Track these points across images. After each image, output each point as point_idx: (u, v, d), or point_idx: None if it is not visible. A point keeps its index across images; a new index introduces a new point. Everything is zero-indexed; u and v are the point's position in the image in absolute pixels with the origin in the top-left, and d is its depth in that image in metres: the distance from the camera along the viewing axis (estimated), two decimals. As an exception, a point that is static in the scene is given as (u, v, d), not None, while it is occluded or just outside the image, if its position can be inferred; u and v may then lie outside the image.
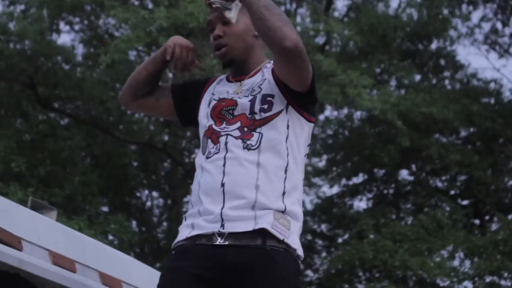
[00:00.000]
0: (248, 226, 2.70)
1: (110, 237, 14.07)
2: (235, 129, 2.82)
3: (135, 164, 18.77)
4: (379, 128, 16.52)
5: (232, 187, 2.75)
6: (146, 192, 20.48)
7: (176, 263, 2.77)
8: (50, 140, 16.41)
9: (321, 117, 18.52)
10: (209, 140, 2.86)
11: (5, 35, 15.50)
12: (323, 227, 18.89)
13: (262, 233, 2.68)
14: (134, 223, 18.49)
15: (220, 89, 2.96)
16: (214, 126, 2.86)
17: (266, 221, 2.69)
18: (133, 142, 17.75)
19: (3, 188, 11.79)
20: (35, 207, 3.82)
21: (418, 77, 17.33)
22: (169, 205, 20.27)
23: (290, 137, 2.81)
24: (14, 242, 3.23)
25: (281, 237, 2.69)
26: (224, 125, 2.84)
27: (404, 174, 17.92)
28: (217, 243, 2.71)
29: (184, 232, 2.82)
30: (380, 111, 13.69)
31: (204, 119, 2.92)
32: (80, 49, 18.21)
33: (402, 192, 17.81)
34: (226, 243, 2.70)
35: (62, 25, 17.43)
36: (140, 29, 13.49)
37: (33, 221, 3.53)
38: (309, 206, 18.36)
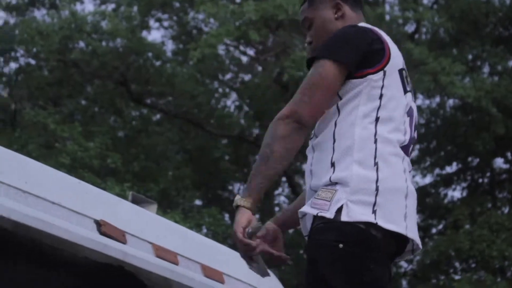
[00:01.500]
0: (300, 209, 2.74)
1: (204, 230, 14.18)
2: None
3: (227, 157, 18.88)
4: (473, 116, 16.20)
5: (306, 183, 2.82)
6: (238, 185, 20.59)
7: None
8: (144, 136, 16.66)
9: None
10: None
11: (98, 34, 15.78)
12: (417, 217, 18.65)
13: (312, 219, 2.66)
14: (226, 216, 18.61)
15: None
16: None
17: (308, 203, 2.67)
18: (224, 136, 17.85)
19: (101, 183, 12.00)
20: (136, 201, 3.86)
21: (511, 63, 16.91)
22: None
23: (339, 107, 2.72)
24: (118, 235, 3.26)
25: (314, 212, 2.61)
26: None
27: (499, 162, 17.58)
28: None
29: None
30: (474, 98, 13.42)
31: None
32: (169, 45, 18.45)
33: (497, 180, 17.45)
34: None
35: (152, 22, 17.67)
36: (229, 23, 13.55)
37: (135, 215, 3.55)
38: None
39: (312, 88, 2.69)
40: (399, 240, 2.68)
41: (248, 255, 2.75)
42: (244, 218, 2.69)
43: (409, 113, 2.83)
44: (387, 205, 2.62)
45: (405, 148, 2.78)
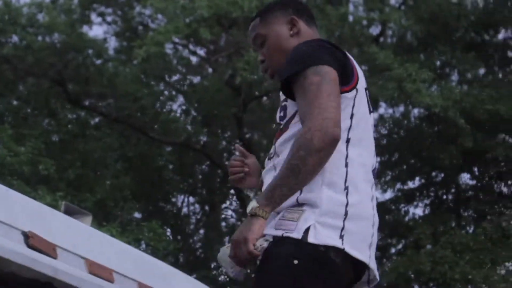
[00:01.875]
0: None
1: (143, 246, 14.14)
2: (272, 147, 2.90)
3: (171, 166, 18.85)
4: (439, 127, 16.37)
5: None
6: (182, 197, 20.56)
7: None
8: (80, 141, 16.56)
9: (375, 115, 18.44)
10: None
11: (33, 28, 15.66)
12: (375, 236, 18.76)
13: (272, 242, 2.66)
14: (168, 230, 18.57)
15: None
16: None
17: (271, 224, 2.68)
18: (169, 143, 17.83)
19: (31, 192, 11.90)
20: (69, 212, 3.86)
21: (482, 71, 17.14)
22: (207, 211, 20.35)
23: None
24: (48, 249, 3.25)
25: (279, 233, 2.63)
26: None
27: (465, 178, 17.76)
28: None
29: None
30: (441, 108, 13.56)
31: None
32: (112, 42, 18.38)
33: (463, 197, 17.64)
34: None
35: (94, 16, 17.60)
36: (179, 19, 13.54)
37: (68, 227, 3.55)
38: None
39: (333, 93, 2.68)
40: (357, 269, 2.73)
41: (245, 263, 2.74)
42: (260, 229, 2.68)
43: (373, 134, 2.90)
44: (355, 232, 2.67)
45: (373, 172, 2.84)
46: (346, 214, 2.65)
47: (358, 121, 2.77)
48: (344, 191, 2.68)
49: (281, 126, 2.84)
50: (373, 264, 2.76)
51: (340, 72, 2.73)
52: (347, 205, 2.67)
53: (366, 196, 2.76)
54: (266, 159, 2.89)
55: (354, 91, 2.78)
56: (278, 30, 2.93)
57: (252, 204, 2.71)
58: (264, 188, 2.79)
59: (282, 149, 2.78)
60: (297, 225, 2.61)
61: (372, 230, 2.76)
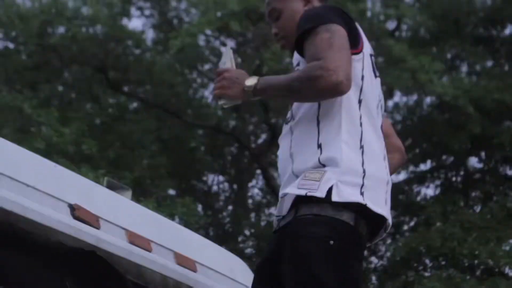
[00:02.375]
0: (283, 191, 2.70)
1: (177, 220, 14.15)
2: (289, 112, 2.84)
3: (203, 148, 18.86)
4: (449, 115, 16.26)
5: (280, 167, 2.78)
6: (213, 176, 20.58)
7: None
8: (120, 124, 16.58)
9: (390, 103, 18.34)
10: None
11: (78, 20, 15.67)
12: (389, 213, 18.69)
13: (294, 201, 2.63)
14: (200, 206, 18.59)
15: None
16: None
17: (293, 185, 2.63)
18: (201, 126, 17.82)
19: (75, 169, 11.91)
20: (110, 187, 3.85)
21: (490, 63, 17.00)
22: (235, 189, 20.35)
23: None
24: (92, 220, 3.24)
25: (303, 192, 2.57)
26: None
27: (473, 161, 17.64)
28: (275, 229, 2.76)
29: None
30: (452, 97, 13.48)
31: None
32: (150, 34, 18.38)
33: (471, 179, 17.53)
34: (278, 228, 2.73)
35: (133, 10, 17.58)
36: (211, 13, 13.50)
37: (110, 200, 3.54)
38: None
39: (344, 48, 2.61)
40: (374, 224, 2.69)
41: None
42: (237, 97, 2.75)
43: (380, 97, 2.84)
44: (373, 189, 2.63)
45: (381, 132, 2.79)
46: (364, 172, 2.61)
47: (368, 84, 2.72)
48: (360, 150, 2.63)
49: None
50: (390, 220, 2.75)
51: (348, 34, 2.67)
52: (363, 163, 2.62)
53: (379, 156, 2.71)
54: (284, 124, 2.83)
55: (361, 54, 2.72)
56: (293, 5, 2.89)
57: (252, 81, 2.69)
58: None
59: (298, 112, 2.73)
60: (319, 184, 2.55)
61: (386, 187, 2.72)
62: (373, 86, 2.77)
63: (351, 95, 2.66)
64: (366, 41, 2.81)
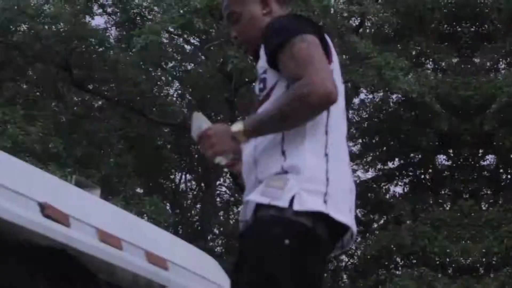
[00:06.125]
0: (246, 197, 2.66)
1: (146, 218, 14.11)
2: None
3: (169, 146, 18.82)
4: (416, 112, 16.33)
5: (244, 172, 2.74)
6: (180, 174, 20.54)
7: None
8: (86, 121, 16.49)
9: (356, 100, 18.41)
10: None
11: (41, 17, 15.55)
12: (358, 212, 18.81)
13: (255, 207, 2.58)
14: (168, 205, 18.56)
15: None
16: None
17: (256, 192, 2.59)
18: (166, 124, 17.78)
19: (42, 168, 11.81)
20: (79, 185, 3.82)
21: (455, 60, 17.11)
22: (203, 187, 20.33)
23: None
24: (62, 218, 3.22)
25: (266, 200, 2.53)
26: None
27: (441, 159, 17.75)
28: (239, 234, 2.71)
29: None
30: (418, 94, 13.54)
31: None
32: (113, 32, 18.29)
33: (439, 177, 17.62)
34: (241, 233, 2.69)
35: (96, 8, 17.47)
36: (174, 10, 13.47)
37: (79, 199, 3.52)
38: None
39: (322, 58, 2.57)
40: (337, 233, 2.67)
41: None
42: (229, 150, 2.66)
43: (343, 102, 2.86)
44: (336, 197, 2.60)
45: (346, 140, 2.81)
46: (327, 180, 2.58)
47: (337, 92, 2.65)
48: (324, 158, 2.60)
49: (260, 98, 2.72)
50: (354, 228, 2.70)
51: (321, 42, 2.64)
52: (327, 171, 2.59)
53: (343, 164, 2.70)
54: None
55: (332, 65, 2.68)
56: (251, 8, 2.83)
57: (238, 127, 2.63)
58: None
59: None
60: (282, 193, 2.52)
61: (350, 195, 2.70)
62: (342, 93, 2.78)
63: None
64: (333, 49, 2.79)
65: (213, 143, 2.68)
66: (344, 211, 2.63)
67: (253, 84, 2.86)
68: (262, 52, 2.74)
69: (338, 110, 2.73)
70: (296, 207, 2.51)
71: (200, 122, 2.76)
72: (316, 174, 2.58)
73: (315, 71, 2.53)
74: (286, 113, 2.57)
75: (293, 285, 2.48)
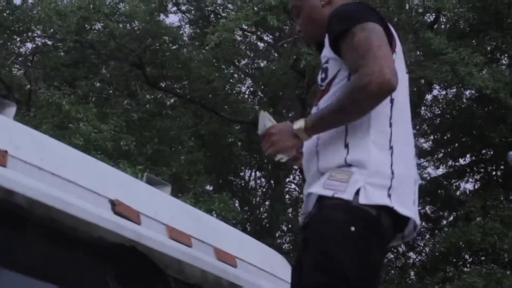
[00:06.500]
0: (308, 190, 2.69)
1: (214, 215, 14.18)
2: (314, 107, 2.80)
3: (240, 143, 18.88)
4: (489, 108, 16.10)
5: (305, 164, 2.76)
6: (250, 171, 20.59)
7: None
8: (158, 119, 16.66)
9: (429, 96, 18.20)
10: None
11: (116, 16, 15.77)
12: (427, 209, 18.60)
13: (316, 195, 2.62)
14: (237, 202, 18.62)
15: None
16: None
17: (318, 184, 2.62)
18: (238, 122, 17.84)
19: (113, 165, 11.97)
20: (150, 183, 3.85)
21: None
22: (272, 184, 20.35)
23: None
24: (133, 216, 3.25)
25: (330, 193, 2.56)
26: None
27: (514, 155, 17.46)
28: (301, 224, 2.74)
29: None
30: (492, 90, 13.32)
31: None
32: (187, 30, 18.45)
33: (511, 173, 17.35)
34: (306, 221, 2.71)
35: (170, 6, 17.64)
36: (248, 7, 13.50)
37: (150, 196, 3.55)
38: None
39: (383, 45, 2.58)
40: (397, 224, 2.67)
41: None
42: (292, 148, 2.72)
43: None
44: (401, 190, 2.62)
45: (411, 133, 2.77)
46: (392, 173, 2.59)
47: (401, 82, 2.67)
48: (389, 151, 2.62)
49: (323, 88, 2.76)
50: (418, 221, 2.71)
51: (384, 31, 2.65)
52: (391, 164, 2.60)
53: (408, 156, 2.70)
54: None
55: (395, 54, 2.69)
56: (311, 1, 2.88)
57: (300, 124, 2.66)
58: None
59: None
60: (347, 186, 2.55)
61: (414, 187, 2.70)
62: (405, 85, 2.76)
63: None
64: (397, 38, 2.79)
65: (275, 141, 2.71)
66: (408, 204, 2.65)
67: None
68: (326, 42, 2.73)
69: (402, 101, 2.71)
70: (362, 200, 2.54)
71: (265, 121, 2.79)
72: (381, 168, 2.59)
73: (373, 59, 2.54)
74: (347, 106, 2.57)
75: (356, 270, 2.51)
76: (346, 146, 2.61)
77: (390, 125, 2.66)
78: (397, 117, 2.69)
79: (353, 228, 2.52)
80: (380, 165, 2.59)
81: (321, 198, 2.60)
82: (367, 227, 2.55)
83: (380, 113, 2.64)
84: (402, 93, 2.72)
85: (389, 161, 2.61)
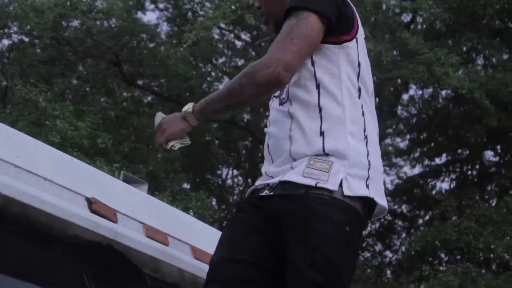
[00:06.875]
0: (284, 178, 2.60)
1: (192, 214, 14.16)
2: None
3: (217, 142, 18.85)
4: (465, 108, 16.20)
5: (274, 145, 2.69)
6: (227, 170, 20.57)
7: (235, 215, 2.75)
8: (135, 117, 16.60)
9: (405, 96, 18.27)
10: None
11: (93, 13, 15.69)
12: (404, 207, 18.68)
13: (292, 183, 2.55)
14: (214, 200, 18.60)
15: None
16: None
17: (296, 171, 2.56)
18: (215, 120, 17.82)
19: (90, 163, 11.91)
20: (127, 181, 3.83)
21: (506, 56, 16.88)
22: (249, 183, 20.34)
23: (318, 75, 2.61)
24: (110, 214, 3.24)
25: (312, 182, 2.51)
26: None
27: (489, 155, 17.60)
28: (264, 193, 2.64)
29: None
30: (468, 90, 13.41)
31: None
32: (164, 27, 18.38)
33: (486, 173, 17.48)
34: (272, 193, 2.61)
35: (147, 3, 17.59)
36: (226, 6, 13.49)
37: (127, 194, 3.53)
38: (390, 187, 18.17)
39: (300, 38, 2.53)
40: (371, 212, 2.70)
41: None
42: (181, 132, 2.74)
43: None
44: (376, 180, 2.63)
45: (377, 122, 2.79)
46: (369, 164, 2.59)
47: (365, 70, 2.67)
48: (364, 141, 2.61)
49: None
50: (387, 207, 2.72)
51: (337, 21, 2.60)
52: (368, 154, 2.60)
53: (378, 145, 2.70)
54: (273, 101, 2.74)
55: (354, 41, 2.65)
56: None
57: (188, 107, 2.67)
58: None
59: (296, 96, 2.64)
60: (328, 176, 2.51)
61: (382, 176, 2.72)
62: (369, 72, 2.74)
63: (351, 83, 2.62)
64: (360, 25, 2.75)
65: (164, 129, 2.71)
66: (382, 193, 2.67)
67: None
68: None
69: (369, 87, 2.72)
70: (346, 192, 2.52)
71: (158, 119, 2.80)
72: (360, 158, 2.58)
73: (280, 49, 2.53)
74: (233, 89, 2.59)
75: (349, 270, 2.54)
76: (322, 134, 2.57)
77: (363, 114, 2.64)
78: (367, 105, 2.67)
79: (348, 228, 2.51)
80: (359, 155, 2.57)
81: (299, 186, 2.55)
82: (356, 225, 2.55)
83: (353, 102, 2.61)
84: (367, 82, 2.71)
85: (365, 151, 2.60)
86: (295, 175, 2.56)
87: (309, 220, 2.50)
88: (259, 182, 2.72)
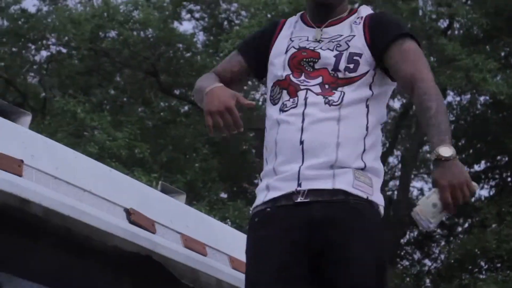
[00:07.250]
0: (326, 185, 2.59)
1: (229, 223, 14.16)
2: (316, 85, 2.67)
3: (254, 151, 18.86)
4: (504, 114, 16.05)
5: (312, 144, 2.62)
6: (264, 178, 20.54)
7: (263, 231, 2.72)
8: (172, 127, 16.67)
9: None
10: (285, 92, 2.73)
11: (129, 23, 15.81)
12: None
13: (343, 192, 2.60)
14: (251, 210, 18.60)
15: (299, 34, 2.80)
16: (292, 77, 2.72)
17: (345, 181, 2.59)
18: (252, 129, 17.83)
19: (128, 173, 12.00)
20: (165, 191, 3.83)
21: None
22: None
23: (373, 96, 2.70)
24: (148, 225, 3.24)
25: (364, 195, 2.61)
26: (303, 77, 2.70)
27: (529, 161, 17.40)
28: (298, 200, 2.61)
29: (261, 196, 2.79)
30: (506, 95, 13.29)
31: (279, 67, 2.76)
32: (200, 37, 18.47)
33: (527, 180, 17.32)
34: (308, 199, 2.60)
35: (184, 13, 17.68)
36: (261, 15, 13.52)
37: (165, 205, 3.54)
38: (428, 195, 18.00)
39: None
40: None
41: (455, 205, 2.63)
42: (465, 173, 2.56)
43: None
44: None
45: None
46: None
47: None
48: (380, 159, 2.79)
49: (342, 76, 2.67)
50: None
51: None
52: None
53: None
54: (320, 101, 2.68)
55: (393, 85, 2.89)
56: None
57: (444, 150, 2.50)
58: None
59: (350, 102, 2.65)
60: (372, 190, 2.65)
61: None
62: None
63: (383, 116, 2.78)
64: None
65: (462, 182, 2.57)
66: None
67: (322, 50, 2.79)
68: (361, 34, 2.72)
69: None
70: (381, 208, 2.72)
71: (428, 208, 2.62)
72: (382, 177, 2.77)
73: (426, 71, 2.77)
74: (443, 109, 2.76)
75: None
76: (364, 150, 2.65)
77: (382, 129, 2.80)
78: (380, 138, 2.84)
79: (384, 232, 2.75)
80: (382, 175, 2.75)
81: (350, 195, 2.61)
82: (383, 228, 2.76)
83: (379, 129, 2.77)
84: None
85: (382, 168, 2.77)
86: (345, 185, 2.61)
87: (360, 222, 2.60)
88: (279, 185, 2.69)
